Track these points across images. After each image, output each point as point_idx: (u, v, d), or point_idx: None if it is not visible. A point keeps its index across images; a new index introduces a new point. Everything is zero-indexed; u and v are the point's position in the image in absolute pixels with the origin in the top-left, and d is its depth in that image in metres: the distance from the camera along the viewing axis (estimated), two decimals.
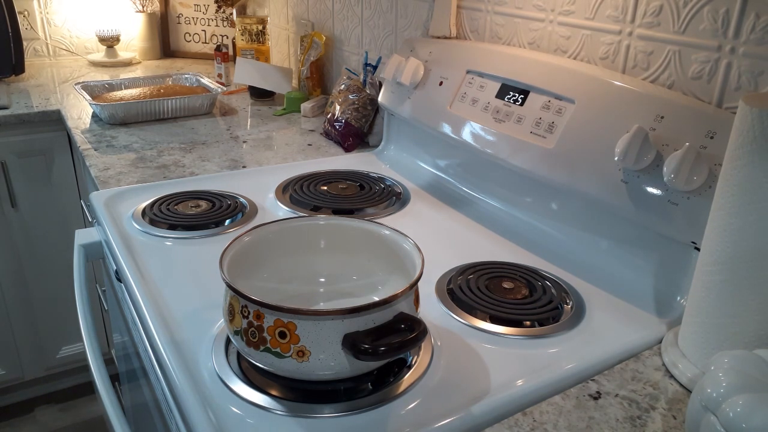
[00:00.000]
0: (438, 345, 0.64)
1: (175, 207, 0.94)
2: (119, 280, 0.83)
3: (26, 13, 1.99)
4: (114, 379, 0.96)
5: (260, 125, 1.46)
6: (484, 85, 0.96)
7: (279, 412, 0.55)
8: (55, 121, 1.55)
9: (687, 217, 0.68)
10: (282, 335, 0.53)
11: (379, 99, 1.20)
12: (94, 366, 0.78)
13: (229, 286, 0.55)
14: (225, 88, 1.71)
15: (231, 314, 0.56)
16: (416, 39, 1.16)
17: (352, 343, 0.52)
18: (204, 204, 0.96)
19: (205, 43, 2.22)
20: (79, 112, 1.50)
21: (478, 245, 0.87)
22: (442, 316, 0.70)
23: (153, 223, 0.90)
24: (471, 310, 0.70)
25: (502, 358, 0.63)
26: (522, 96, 0.90)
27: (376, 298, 0.54)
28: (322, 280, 0.70)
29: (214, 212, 0.93)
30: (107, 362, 0.80)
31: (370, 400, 0.56)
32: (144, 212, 0.93)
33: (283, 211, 0.97)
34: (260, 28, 1.85)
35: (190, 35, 2.24)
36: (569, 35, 0.91)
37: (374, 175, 1.11)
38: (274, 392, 0.57)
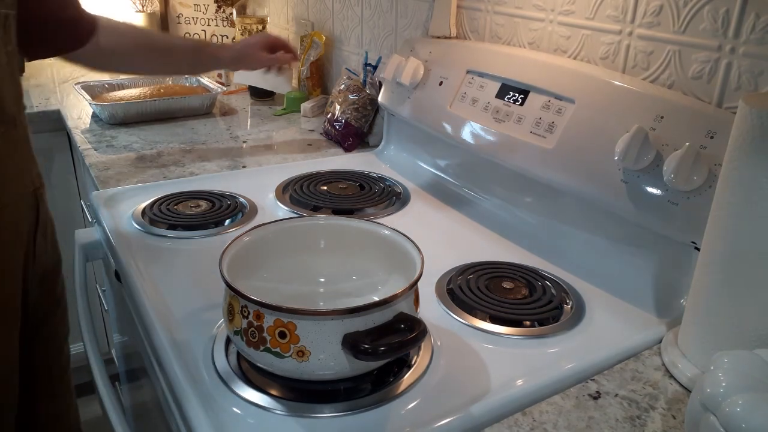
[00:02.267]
0: (438, 345, 0.64)
1: (175, 207, 0.94)
2: (119, 280, 0.83)
3: None
4: (114, 379, 0.96)
5: (260, 125, 1.46)
6: (484, 85, 0.96)
7: (279, 412, 0.55)
8: (55, 121, 1.54)
9: (687, 217, 0.68)
10: (282, 335, 0.53)
11: (379, 99, 1.20)
12: (94, 366, 0.78)
13: (228, 286, 0.55)
14: (225, 88, 1.71)
15: (231, 314, 0.56)
16: (416, 39, 1.16)
17: (352, 343, 0.52)
18: (204, 204, 0.96)
19: None
20: (79, 112, 1.50)
21: (478, 245, 0.87)
22: (442, 316, 0.70)
23: (153, 223, 0.90)
24: (471, 310, 0.70)
25: (502, 358, 0.63)
26: (522, 96, 0.90)
27: (376, 298, 0.54)
28: (322, 280, 0.70)
29: (214, 212, 0.93)
30: (107, 362, 0.80)
31: (370, 400, 0.56)
32: (144, 212, 0.93)
33: (283, 211, 0.97)
34: (260, 28, 1.85)
35: (190, 35, 2.24)
36: (569, 35, 0.91)
37: (374, 175, 1.11)
38: (274, 392, 0.57)
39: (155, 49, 1.13)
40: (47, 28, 0.96)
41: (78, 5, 1.00)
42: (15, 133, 0.83)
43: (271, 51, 1.22)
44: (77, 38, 1.01)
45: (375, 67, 1.27)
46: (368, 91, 1.28)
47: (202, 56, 1.18)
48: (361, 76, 1.30)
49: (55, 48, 1.01)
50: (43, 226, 0.92)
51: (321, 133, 1.39)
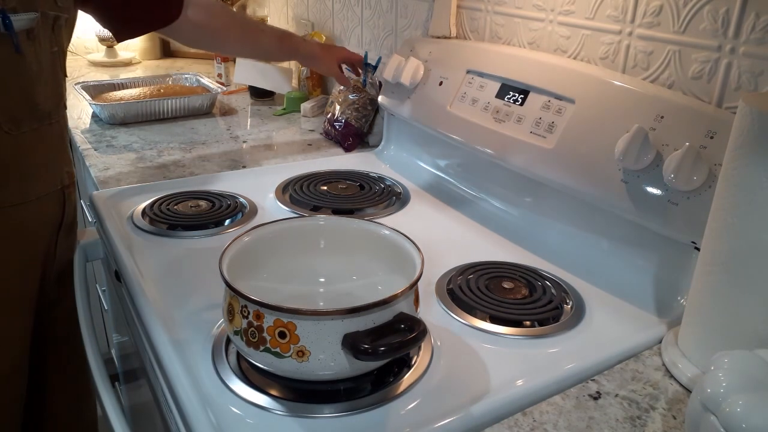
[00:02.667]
0: (438, 345, 0.64)
1: (175, 207, 0.94)
2: (119, 280, 0.83)
3: None
4: (114, 379, 0.96)
5: (260, 125, 1.46)
6: (484, 85, 0.96)
7: (279, 412, 0.55)
8: None
9: (687, 217, 0.68)
10: (282, 335, 0.53)
11: (379, 99, 1.20)
12: (93, 366, 0.78)
13: (228, 286, 0.55)
14: (225, 88, 1.71)
15: (231, 314, 0.56)
16: (416, 39, 1.16)
17: (351, 343, 0.52)
18: (204, 204, 0.96)
19: None
20: (79, 112, 1.50)
21: (478, 245, 0.87)
22: (442, 316, 0.70)
23: (153, 223, 0.90)
24: (471, 310, 0.70)
25: (502, 358, 0.63)
26: (522, 96, 0.89)
27: (376, 298, 0.53)
28: (322, 280, 0.70)
29: (214, 212, 0.93)
30: (107, 362, 0.80)
31: (370, 400, 0.56)
32: (144, 212, 0.93)
33: (283, 211, 0.97)
34: None
35: None
36: (569, 35, 0.91)
37: (374, 175, 1.11)
38: (274, 392, 0.57)
39: (245, 31, 1.15)
40: (140, 7, 1.00)
41: None
42: (49, 130, 0.85)
43: (345, 65, 1.25)
44: (167, 15, 1.03)
45: (375, 67, 1.27)
46: (368, 91, 1.28)
47: (285, 45, 1.20)
48: (361, 77, 1.29)
49: (147, 25, 1.04)
50: (68, 225, 0.93)
51: (321, 133, 1.39)
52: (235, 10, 2.01)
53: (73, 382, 1.02)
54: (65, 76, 0.89)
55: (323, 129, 1.37)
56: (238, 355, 0.62)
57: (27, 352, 0.90)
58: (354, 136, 1.28)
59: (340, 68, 1.23)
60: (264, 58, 1.44)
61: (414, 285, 0.57)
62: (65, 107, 0.90)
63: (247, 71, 1.60)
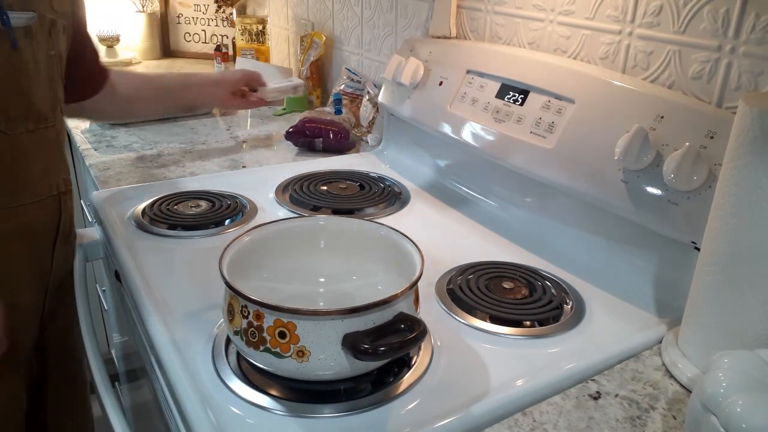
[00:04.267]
0: (438, 345, 0.64)
1: (175, 207, 0.94)
2: (119, 280, 0.83)
3: None
4: (114, 379, 0.96)
5: (260, 125, 1.46)
6: (484, 85, 0.96)
7: (279, 412, 0.55)
8: None
9: (687, 217, 0.68)
10: (282, 335, 0.53)
11: (379, 99, 1.20)
12: (94, 366, 0.78)
13: (228, 286, 0.55)
14: None
15: (231, 314, 0.56)
16: (416, 39, 1.16)
17: (351, 343, 0.52)
18: (204, 204, 0.96)
19: (205, 43, 2.22)
20: None
21: (478, 245, 0.87)
22: (442, 316, 0.70)
23: (153, 223, 0.90)
24: (471, 310, 0.70)
25: (502, 358, 0.63)
26: (522, 96, 0.89)
27: (376, 298, 0.54)
28: (322, 280, 0.70)
29: (214, 212, 0.93)
30: (107, 362, 0.80)
31: (370, 400, 0.56)
32: (144, 212, 0.93)
33: (283, 211, 0.97)
34: (260, 28, 1.86)
35: (190, 35, 2.24)
36: (569, 35, 0.91)
37: (374, 175, 1.11)
38: (274, 392, 0.57)
39: (168, 90, 1.21)
40: (77, 76, 0.99)
41: (99, 56, 1.06)
42: (45, 134, 0.84)
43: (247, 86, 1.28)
44: (94, 87, 1.06)
45: (339, 101, 1.33)
46: (345, 117, 1.30)
47: (184, 95, 1.25)
48: (333, 108, 1.32)
49: (78, 94, 1.04)
50: (65, 233, 0.91)
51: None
52: (234, 10, 2.01)
53: (70, 395, 1.01)
54: (62, 81, 0.88)
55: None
56: (238, 355, 0.62)
57: (26, 361, 0.89)
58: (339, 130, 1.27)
59: (243, 93, 1.27)
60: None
61: (414, 285, 0.57)
62: (62, 112, 0.89)
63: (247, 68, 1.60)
